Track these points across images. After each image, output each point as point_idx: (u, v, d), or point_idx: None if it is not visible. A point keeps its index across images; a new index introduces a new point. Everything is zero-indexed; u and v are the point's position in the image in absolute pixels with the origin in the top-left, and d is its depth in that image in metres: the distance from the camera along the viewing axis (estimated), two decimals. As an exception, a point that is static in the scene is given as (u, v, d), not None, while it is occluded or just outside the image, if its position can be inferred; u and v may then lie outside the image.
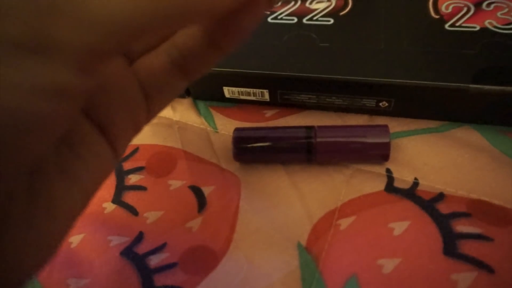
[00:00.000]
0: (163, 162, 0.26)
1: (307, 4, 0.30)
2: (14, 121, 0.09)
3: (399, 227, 0.21)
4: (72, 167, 0.13)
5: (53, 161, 0.12)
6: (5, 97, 0.09)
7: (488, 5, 0.26)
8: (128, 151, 0.28)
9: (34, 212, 0.11)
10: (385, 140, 0.22)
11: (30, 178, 0.11)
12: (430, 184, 0.22)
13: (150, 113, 0.16)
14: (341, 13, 0.28)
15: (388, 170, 0.23)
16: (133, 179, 0.26)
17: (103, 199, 0.25)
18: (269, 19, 0.29)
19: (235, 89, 0.28)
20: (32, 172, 0.11)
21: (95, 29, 0.09)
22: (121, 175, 0.26)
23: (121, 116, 0.14)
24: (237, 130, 0.25)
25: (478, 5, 0.27)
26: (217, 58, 0.15)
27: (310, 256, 0.21)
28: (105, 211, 0.24)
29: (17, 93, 0.09)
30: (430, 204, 0.21)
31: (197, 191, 0.24)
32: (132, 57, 0.15)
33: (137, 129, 0.16)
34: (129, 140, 0.15)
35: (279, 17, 0.29)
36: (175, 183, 0.25)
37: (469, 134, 0.24)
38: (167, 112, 0.30)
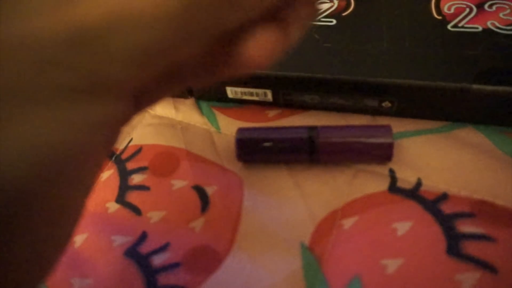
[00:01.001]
0: (166, 162, 0.26)
1: (309, 5, 0.30)
2: (69, 154, 0.10)
3: (402, 227, 0.21)
4: (87, 183, 0.13)
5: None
6: (65, 133, 0.10)
7: (490, 6, 0.26)
8: (131, 151, 0.28)
9: (42, 217, 0.11)
10: (388, 140, 0.22)
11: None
12: (433, 184, 0.22)
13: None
14: (344, 14, 0.28)
15: (391, 170, 0.23)
16: (136, 179, 0.26)
17: (106, 199, 0.25)
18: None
19: (238, 89, 0.28)
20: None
21: (134, 61, 0.10)
22: (125, 175, 0.26)
23: None
24: (240, 130, 0.25)
25: (480, 6, 0.27)
26: (213, 79, 0.15)
27: (313, 256, 0.21)
28: (109, 211, 0.25)
29: (77, 130, 0.10)
30: (433, 204, 0.21)
31: (200, 191, 0.25)
32: None
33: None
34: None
35: (281, 17, 0.29)
36: (178, 183, 0.25)
37: (472, 135, 0.24)
38: (169, 112, 0.30)
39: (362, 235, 0.21)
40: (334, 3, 0.29)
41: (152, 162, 0.27)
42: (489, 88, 0.22)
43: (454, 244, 0.20)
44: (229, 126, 0.28)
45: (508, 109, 0.23)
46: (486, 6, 0.27)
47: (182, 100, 0.30)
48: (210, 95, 0.30)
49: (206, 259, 0.22)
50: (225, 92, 0.28)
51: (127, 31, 0.09)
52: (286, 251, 0.21)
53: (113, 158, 0.28)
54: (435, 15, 0.27)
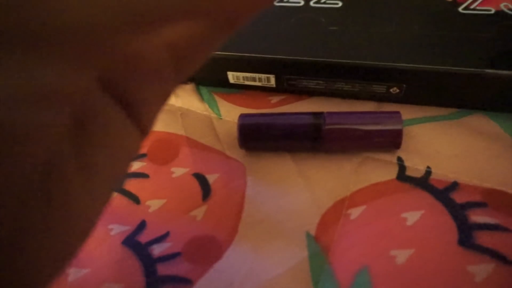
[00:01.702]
0: (165, 149, 0.26)
1: (314, -13, 0.28)
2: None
3: (412, 217, 0.20)
4: (92, 159, 0.10)
5: (68, 155, 0.10)
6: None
7: (504, -13, 0.25)
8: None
9: (49, 219, 0.09)
10: (398, 127, 0.22)
11: (43, 179, 0.09)
12: (443, 172, 0.21)
13: (181, 75, 0.12)
14: (351, -4, 0.27)
15: (400, 159, 0.23)
16: (134, 166, 0.25)
17: (103, 187, 0.24)
18: (275, 2, 0.28)
19: (240, 74, 0.27)
20: (45, 172, 0.09)
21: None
22: (122, 162, 0.25)
23: (147, 86, 0.12)
24: (242, 116, 0.24)
25: (493, -12, 0.26)
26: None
27: (319, 247, 0.20)
28: (106, 199, 0.24)
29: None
30: (444, 193, 0.21)
31: (201, 179, 0.24)
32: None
33: (166, 98, 0.13)
34: (157, 111, 0.13)
35: (285, -1, 0.28)
36: (178, 171, 0.24)
37: (483, 122, 0.23)
38: (169, 98, 0.29)
39: (370, 225, 0.20)
40: (340, -15, 0.28)
41: (151, 149, 0.26)
42: (504, 73, 0.21)
43: (466, 235, 0.19)
44: (230, 112, 0.27)
45: (521, 95, 0.22)
46: (499, -11, 0.26)
47: (181, 85, 0.29)
48: (210, 80, 0.29)
49: (208, 249, 0.21)
50: (226, 77, 0.27)
51: None
52: (291, 241, 0.20)
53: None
54: (446, -2, 0.26)
